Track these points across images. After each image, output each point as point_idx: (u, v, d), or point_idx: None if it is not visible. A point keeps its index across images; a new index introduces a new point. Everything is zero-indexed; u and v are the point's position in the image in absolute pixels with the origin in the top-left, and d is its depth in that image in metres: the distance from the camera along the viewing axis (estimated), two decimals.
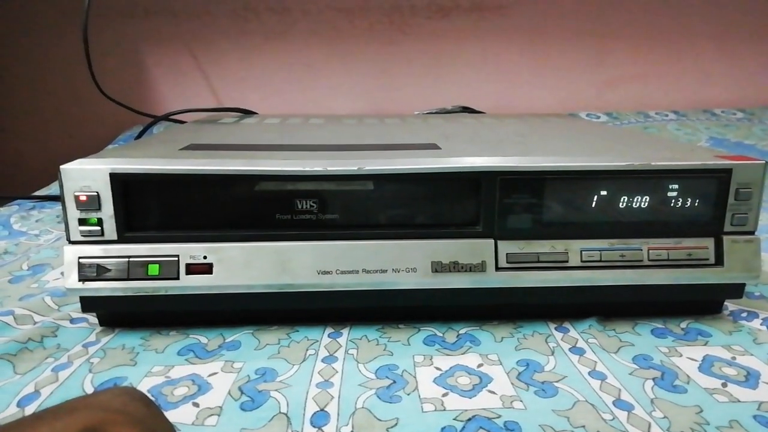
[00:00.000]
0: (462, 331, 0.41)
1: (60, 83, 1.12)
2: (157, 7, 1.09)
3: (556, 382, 0.34)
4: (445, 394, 0.33)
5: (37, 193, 0.81)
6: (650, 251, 0.40)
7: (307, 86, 1.15)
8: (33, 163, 1.15)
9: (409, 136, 0.55)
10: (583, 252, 0.40)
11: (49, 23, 1.09)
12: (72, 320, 0.43)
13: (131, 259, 0.38)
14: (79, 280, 0.38)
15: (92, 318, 0.43)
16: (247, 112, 0.86)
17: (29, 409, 0.32)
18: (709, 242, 0.40)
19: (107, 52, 1.09)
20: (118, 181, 0.37)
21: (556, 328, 0.41)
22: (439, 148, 0.44)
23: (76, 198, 0.37)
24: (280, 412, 0.31)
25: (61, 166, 0.37)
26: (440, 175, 0.39)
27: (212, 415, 0.31)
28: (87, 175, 0.37)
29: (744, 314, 0.43)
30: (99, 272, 0.38)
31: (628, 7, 1.14)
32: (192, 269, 0.38)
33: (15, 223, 0.68)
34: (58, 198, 0.38)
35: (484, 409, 0.31)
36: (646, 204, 0.40)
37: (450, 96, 1.13)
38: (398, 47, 1.13)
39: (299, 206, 0.39)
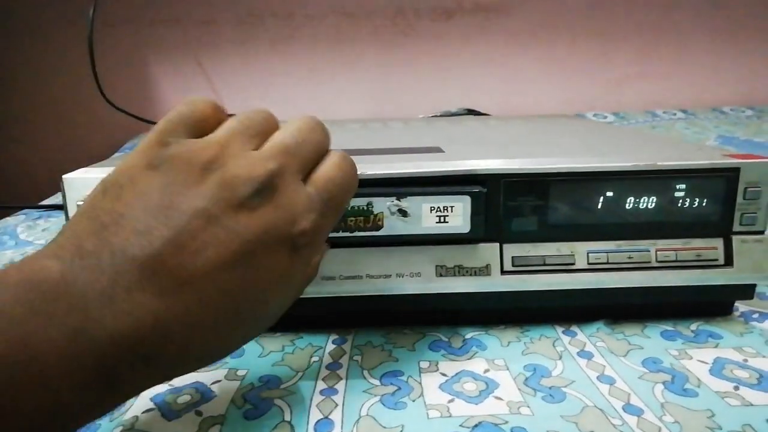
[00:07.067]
0: (468, 336, 0.40)
1: (66, 92, 1.13)
2: (163, 16, 1.10)
3: (564, 386, 0.34)
4: (451, 401, 0.33)
5: (44, 203, 0.82)
6: (658, 252, 0.39)
7: (311, 91, 1.15)
8: (40, 172, 1.16)
9: (412, 139, 0.54)
10: (590, 254, 0.39)
11: (55, 32, 1.10)
12: None
13: None
14: None
15: None
16: None
17: None
18: (718, 242, 0.40)
19: (113, 60, 1.09)
20: None
21: (563, 332, 0.41)
22: (443, 151, 0.44)
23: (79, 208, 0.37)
24: (283, 420, 0.31)
25: (64, 176, 0.37)
26: (442, 178, 0.38)
27: (215, 424, 0.31)
28: (90, 184, 0.36)
29: (755, 315, 0.42)
30: None
31: (635, 6, 1.13)
32: None
33: (21, 232, 0.68)
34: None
35: (490, 415, 0.31)
36: (653, 205, 0.39)
37: (455, 98, 1.12)
38: (402, 50, 1.13)
39: None
